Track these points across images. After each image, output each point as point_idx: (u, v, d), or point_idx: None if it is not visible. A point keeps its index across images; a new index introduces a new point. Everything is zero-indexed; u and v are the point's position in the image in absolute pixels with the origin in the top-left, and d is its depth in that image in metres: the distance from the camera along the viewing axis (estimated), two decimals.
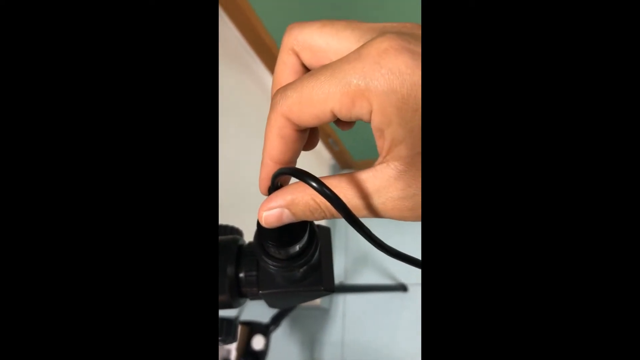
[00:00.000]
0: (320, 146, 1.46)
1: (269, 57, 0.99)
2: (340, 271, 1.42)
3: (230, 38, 0.91)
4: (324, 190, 0.17)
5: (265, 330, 0.88)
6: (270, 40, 0.94)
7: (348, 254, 1.44)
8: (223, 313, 0.29)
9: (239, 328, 0.88)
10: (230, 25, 0.88)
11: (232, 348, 0.79)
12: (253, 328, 0.89)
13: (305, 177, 0.18)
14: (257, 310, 0.91)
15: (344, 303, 1.37)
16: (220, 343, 0.29)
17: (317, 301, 1.30)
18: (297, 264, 0.23)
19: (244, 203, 0.74)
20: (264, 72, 1.04)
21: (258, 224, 0.22)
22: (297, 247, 0.22)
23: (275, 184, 0.21)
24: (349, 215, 0.17)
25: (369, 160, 1.55)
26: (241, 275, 0.27)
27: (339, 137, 1.41)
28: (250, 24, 0.87)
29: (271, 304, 0.28)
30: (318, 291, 0.25)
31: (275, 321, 0.99)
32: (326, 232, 0.27)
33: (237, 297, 0.27)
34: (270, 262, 0.22)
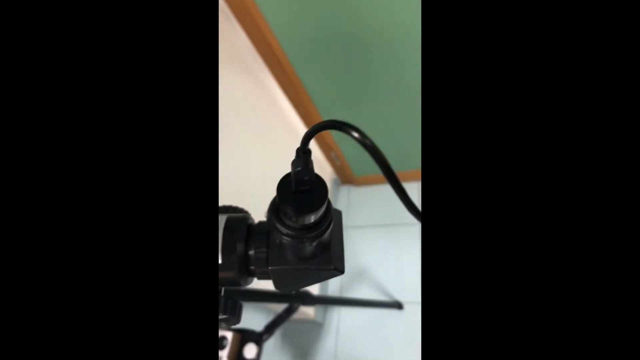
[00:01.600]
0: (322, 159, 1.47)
1: (273, 61, 0.99)
2: (335, 286, 1.40)
3: (237, 41, 0.92)
4: (364, 140, 0.17)
5: (258, 338, 0.86)
6: (275, 43, 0.95)
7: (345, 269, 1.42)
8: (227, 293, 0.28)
9: (232, 335, 0.86)
10: (237, 27, 0.89)
11: (224, 355, 0.77)
12: (246, 336, 0.87)
13: (346, 127, 0.18)
14: (251, 320, 0.89)
15: (338, 318, 1.35)
16: (223, 323, 0.28)
17: (311, 315, 1.27)
18: (310, 236, 0.22)
19: (245, 204, 0.73)
20: (265, 75, 1.05)
21: (277, 189, 0.22)
22: (313, 218, 0.22)
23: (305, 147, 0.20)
24: (386, 169, 0.18)
25: (370, 175, 1.55)
26: (251, 252, 0.26)
27: (342, 151, 1.42)
28: (257, 25, 0.87)
29: (278, 284, 0.27)
30: (328, 270, 0.25)
31: (269, 330, 0.97)
32: (338, 215, 0.27)
33: (245, 274, 0.27)
34: (283, 230, 0.22)
